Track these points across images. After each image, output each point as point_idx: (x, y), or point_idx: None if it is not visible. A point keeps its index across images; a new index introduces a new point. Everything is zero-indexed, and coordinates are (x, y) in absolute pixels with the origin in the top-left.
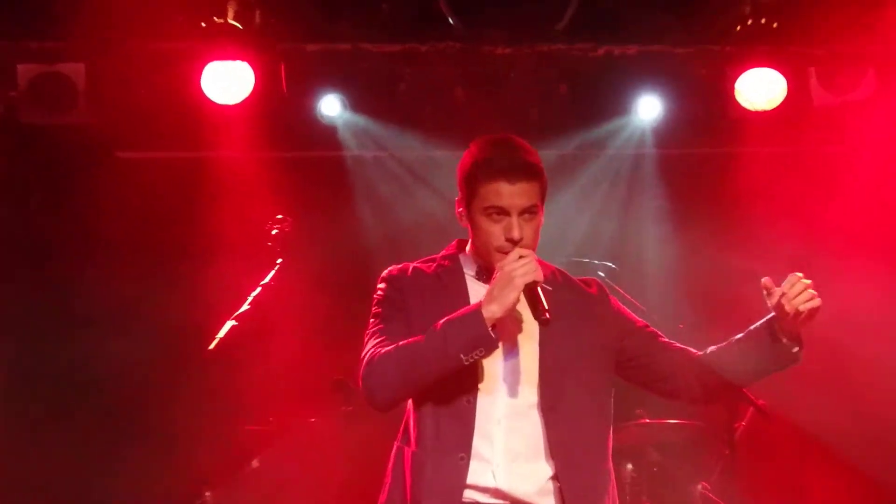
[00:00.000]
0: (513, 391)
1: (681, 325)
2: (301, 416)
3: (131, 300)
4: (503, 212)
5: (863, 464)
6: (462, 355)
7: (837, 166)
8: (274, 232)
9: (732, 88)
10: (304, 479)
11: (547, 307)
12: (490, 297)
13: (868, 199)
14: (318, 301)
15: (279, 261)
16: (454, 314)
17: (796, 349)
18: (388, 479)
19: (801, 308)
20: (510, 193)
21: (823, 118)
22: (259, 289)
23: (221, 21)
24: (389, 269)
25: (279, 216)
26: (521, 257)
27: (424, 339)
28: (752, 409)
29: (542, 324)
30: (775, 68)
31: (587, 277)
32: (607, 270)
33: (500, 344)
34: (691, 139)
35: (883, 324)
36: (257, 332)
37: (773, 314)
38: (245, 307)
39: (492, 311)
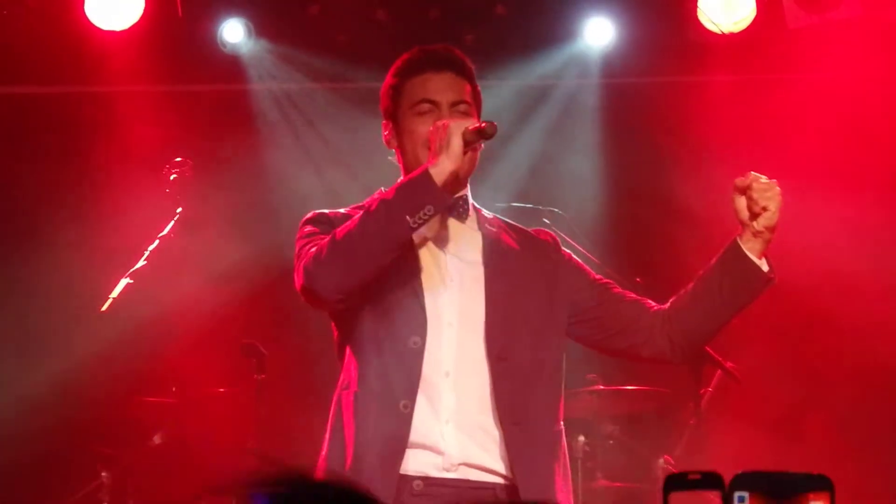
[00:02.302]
0: (461, 339)
1: (638, 279)
2: (207, 386)
3: (7, 260)
4: (433, 105)
5: (850, 426)
6: (408, 217)
7: (814, 97)
8: (172, 177)
9: (694, 8)
10: (212, 456)
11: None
12: (433, 155)
13: (848, 134)
14: (224, 255)
15: (179, 210)
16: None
17: (767, 268)
18: (328, 434)
19: (770, 205)
20: (439, 83)
21: (799, 42)
22: (156, 241)
23: None
24: (314, 211)
25: (178, 159)
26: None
27: (364, 212)
28: (719, 372)
29: (488, 132)
30: None
31: (537, 228)
32: (553, 217)
33: (445, 284)
34: (647, 67)
35: (858, 269)
36: (156, 290)
37: (734, 238)
38: (141, 263)
39: (441, 166)
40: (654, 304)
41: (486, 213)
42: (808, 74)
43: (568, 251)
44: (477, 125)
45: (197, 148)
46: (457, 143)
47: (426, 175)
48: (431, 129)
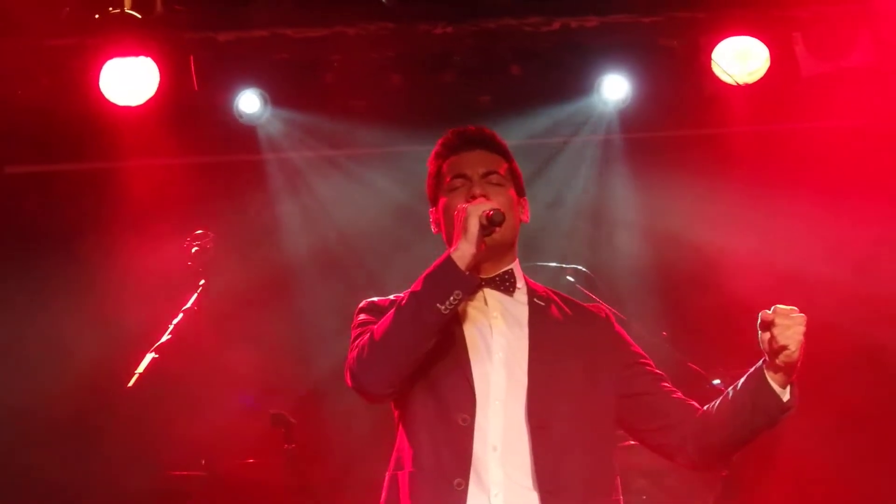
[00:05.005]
0: (507, 413)
1: (664, 333)
2: (237, 458)
3: (32, 334)
4: (465, 179)
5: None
6: (438, 304)
7: (830, 145)
8: (194, 250)
9: (708, 61)
10: None
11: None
12: (455, 240)
13: (867, 180)
14: (249, 326)
15: (202, 282)
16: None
17: (788, 398)
18: None
19: (791, 344)
20: (469, 159)
21: (813, 90)
22: (181, 315)
23: (117, 11)
24: (368, 299)
25: (198, 231)
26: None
27: (396, 307)
28: None
29: (495, 219)
30: (755, 35)
31: (594, 303)
32: (578, 275)
33: (492, 360)
34: (664, 121)
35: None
36: (182, 364)
37: (761, 364)
38: (166, 337)
39: (461, 251)
40: (697, 407)
41: (537, 285)
42: (824, 122)
43: (622, 328)
44: (488, 210)
45: (216, 220)
46: (473, 225)
47: (449, 261)
48: (456, 212)
